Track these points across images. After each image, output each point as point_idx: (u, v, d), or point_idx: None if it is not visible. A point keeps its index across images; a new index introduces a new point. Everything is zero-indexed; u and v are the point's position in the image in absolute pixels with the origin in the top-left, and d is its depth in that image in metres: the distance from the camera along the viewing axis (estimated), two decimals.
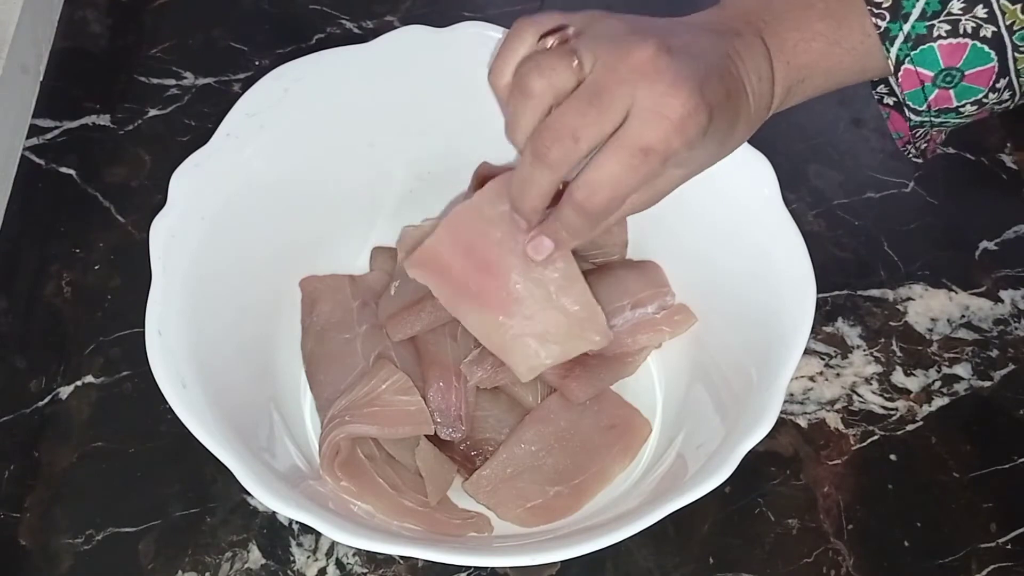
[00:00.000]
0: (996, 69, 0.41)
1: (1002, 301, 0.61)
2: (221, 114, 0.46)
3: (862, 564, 0.52)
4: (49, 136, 0.64)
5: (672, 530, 0.52)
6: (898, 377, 0.58)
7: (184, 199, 0.44)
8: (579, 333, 0.46)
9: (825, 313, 0.60)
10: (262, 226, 0.49)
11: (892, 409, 0.57)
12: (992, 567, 0.52)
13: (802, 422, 0.56)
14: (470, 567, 0.51)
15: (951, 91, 0.42)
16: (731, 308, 0.49)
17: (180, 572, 0.50)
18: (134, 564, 0.50)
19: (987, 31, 0.40)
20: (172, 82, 0.67)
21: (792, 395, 0.57)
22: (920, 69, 0.41)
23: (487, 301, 0.45)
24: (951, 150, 0.67)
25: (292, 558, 0.51)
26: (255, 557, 0.50)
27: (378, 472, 0.48)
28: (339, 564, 0.50)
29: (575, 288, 0.45)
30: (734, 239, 0.48)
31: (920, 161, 0.49)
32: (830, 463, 0.55)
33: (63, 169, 0.63)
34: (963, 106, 0.42)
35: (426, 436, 0.50)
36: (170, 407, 0.39)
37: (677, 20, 0.41)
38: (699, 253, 0.51)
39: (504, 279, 0.44)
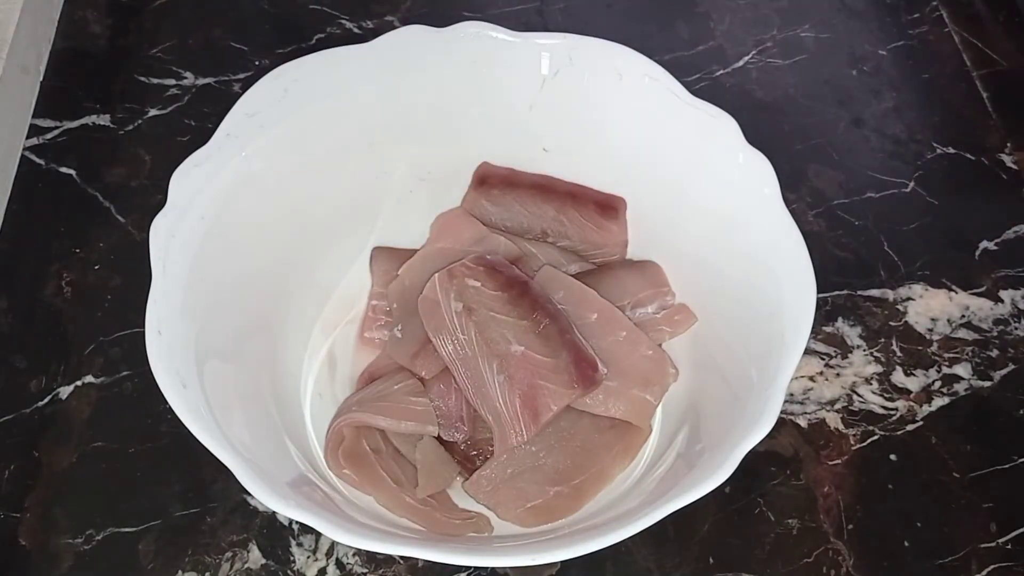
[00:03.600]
0: None
1: (1002, 301, 0.61)
2: (221, 114, 0.46)
3: (862, 564, 0.52)
4: (49, 136, 0.64)
5: (672, 530, 0.52)
6: (898, 377, 0.58)
7: (184, 199, 0.44)
8: (664, 369, 0.51)
9: (825, 313, 0.60)
10: (262, 226, 0.49)
11: (892, 409, 0.57)
12: (992, 567, 0.52)
13: (802, 422, 0.56)
14: (470, 567, 0.51)
15: None
16: (731, 308, 0.49)
17: (180, 572, 0.50)
18: (134, 564, 0.50)
19: None
20: (172, 82, 0.67)
21: (792, 395, 0.57)
22: None
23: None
24: (951, 150, 0.67)
25: (292, 558, 0.51)
26: (255, 557, 0.50)
27: (382, 465, 0.49)
28: (339, 564, 0.50)
29: (643, 338, 0.51)
30: (734, 239, 0.48)
31: None
32: (830, 463, 0.55)
33: (63, 169, 0.63)
34: None
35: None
36: (170, 407, 0.39)
37: None
38: (699, 253, 0.51)
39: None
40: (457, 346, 0.49)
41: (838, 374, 0.58)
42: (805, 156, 0.66)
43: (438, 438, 0.50)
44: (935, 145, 0.67)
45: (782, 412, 0.43)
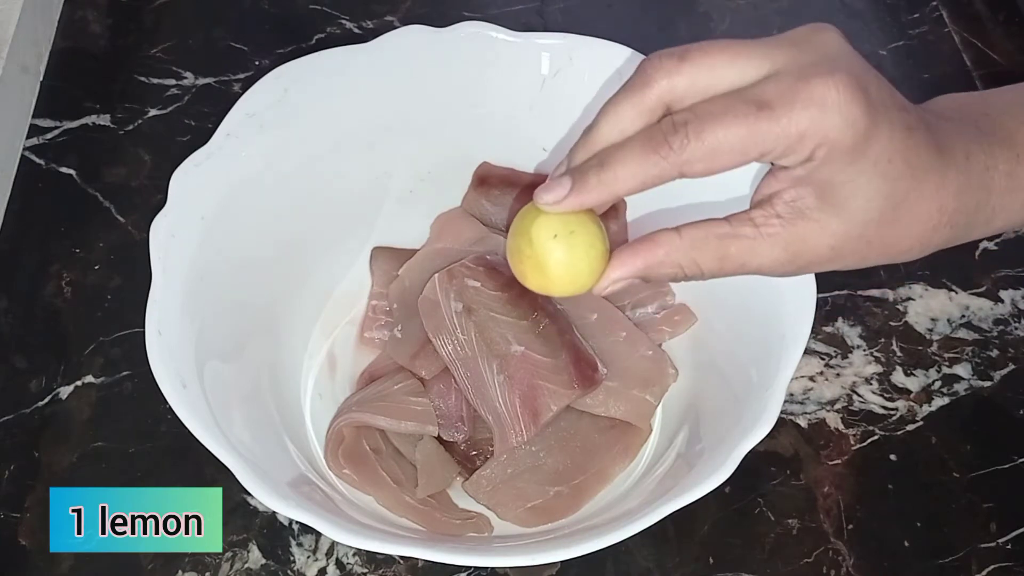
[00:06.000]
0: None
1: (1002, 301, 0.61)
2: (221, 114, 0.46)
3: (862, 564, 0.52)
4: (49, 136, 0.64)
5: (672, 530, 0.52)
6: (898, 377, 0.58)
7: (184, 199, 0.44)
8: (664, 369, 0.52)
9: (825, 313, 0.60)
10: (262, 226, 0.49)
11: (892, 409, 0.57)
12: (992, 567, 0.52)
13: (802, 422, 0.56)
14: (470, 567, 0.51)
15: None
16: (731, 308, 0.49)
17: (180, 572, 0.50)
18: (134, 564, 0.50)
19: None
20: (172, 82, 0.67)
21: (792, 395, 0.57)
22: None
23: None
24: None
25: (292, 558, 0.51)
26: (255, 557, 0.50)
27: (382, 465, 0.49)
28: (339, 564, 0.50)
29: (643, 338, 0.52)
30: None
31: None
32: (830, 463, 0.55)
33: (63, 169, 0.63)
34: None
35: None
36: (170, 407, 0.39)
37: None
38: None
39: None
40: (457, 346, 0.49)
41: (838, 374, 0.58)
42: None
43: (438, 438, 0.51)
44: None
45: (782, 412, 0.43)
